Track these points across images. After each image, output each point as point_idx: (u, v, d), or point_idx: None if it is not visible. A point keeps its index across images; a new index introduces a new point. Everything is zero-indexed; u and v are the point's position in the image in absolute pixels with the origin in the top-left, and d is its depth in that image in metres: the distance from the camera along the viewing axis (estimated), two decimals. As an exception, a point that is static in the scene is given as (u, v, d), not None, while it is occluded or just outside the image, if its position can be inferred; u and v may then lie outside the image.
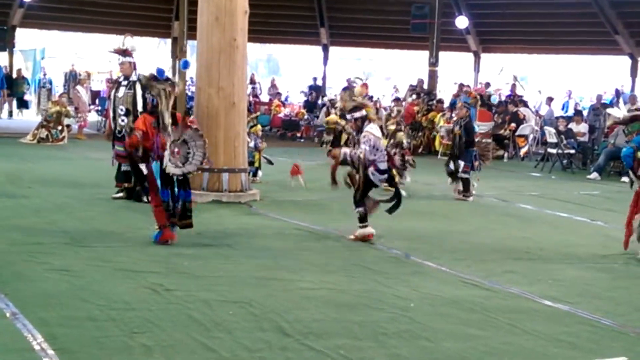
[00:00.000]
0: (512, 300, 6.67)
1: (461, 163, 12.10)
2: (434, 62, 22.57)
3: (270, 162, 13.60)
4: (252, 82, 26.10)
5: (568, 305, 6.51)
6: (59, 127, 18.99)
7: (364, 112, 8.77)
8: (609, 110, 9.72)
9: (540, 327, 5.85)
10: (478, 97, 14.73)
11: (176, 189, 8.14)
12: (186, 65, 10.53)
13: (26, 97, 26.62)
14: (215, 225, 9.40)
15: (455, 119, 13.15)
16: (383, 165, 8.74)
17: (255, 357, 5.00)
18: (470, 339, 5.54)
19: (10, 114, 26.22)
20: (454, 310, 6.24)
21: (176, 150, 8.00)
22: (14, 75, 25.85)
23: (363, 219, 8.79)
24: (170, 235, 8.16)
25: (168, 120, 7.99)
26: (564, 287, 7.18)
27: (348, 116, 8.97)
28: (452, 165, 12.26)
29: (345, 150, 8.89)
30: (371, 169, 8.68)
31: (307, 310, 6.06)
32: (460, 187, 12.27)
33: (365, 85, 9.04)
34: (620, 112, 9.25)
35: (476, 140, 12.61)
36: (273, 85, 28.30)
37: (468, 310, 6.24)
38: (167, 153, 7.95)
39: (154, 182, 8.11)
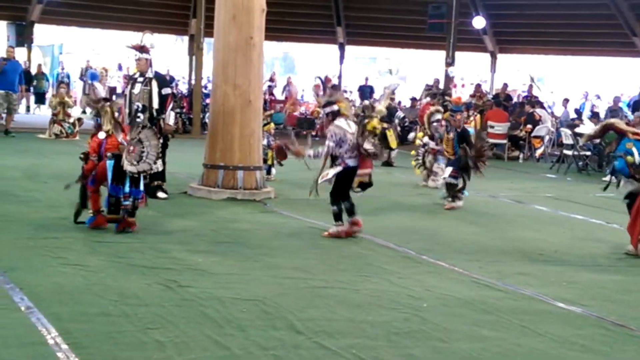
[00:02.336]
0: (526, 301, 6.65)
1: (448, 168, 11.41)
2: (450, 62, 22.52)
3: (280, 164, 13.62)
4: (272, 80, 26.11)
5: (582, 308, 6.49)
6: (70, 120, 19.16)
7: (335, 107, 8.85)
8: (578, 130, 9.65)
9: (554, 329, 5.84)
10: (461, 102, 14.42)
11: (127, 187, 8.36)
12: (94, 77, 10.80)
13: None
14: (230, 223, 9.43)
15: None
16: (352, 162, 8.79)
17: (268, 355, 5.01)
18: (483, 340, 5.53)
19: (28, 109, 26.38)
20: (467, 310, 6.24)
21: (132, 148, 8.27)
22: (33, 71, 26.00)
23: (337, 217, 8.85)
24: (102, 221, 8.48)
25: (108, 127, 8.39)
26: (577, 289, 7.15)
27: (321, 111, 9.11)
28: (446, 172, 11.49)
29: (312, 150, 8.92)
30: (338, 169, 8.74)
31: (320, 309, 6.07)
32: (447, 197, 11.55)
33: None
34: (589, 127, 9.21)
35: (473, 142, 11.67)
36: (289, 84, 28.31)
37: (481, 311, 6.23)
38: (124, 149, 8.27)
39: (102, 175, 8.37)
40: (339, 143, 8.70)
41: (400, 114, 17.33)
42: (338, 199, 8.85)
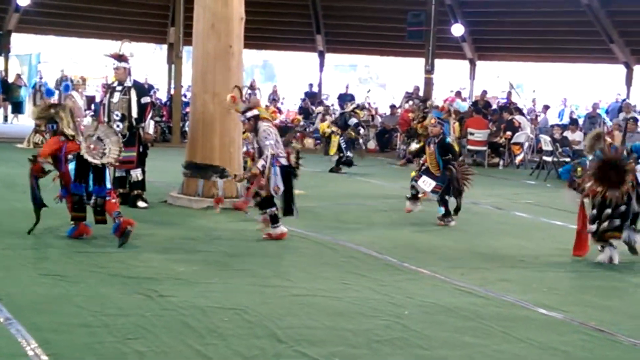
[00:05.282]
0: (507, 308, 6.67)
1: (431, 182, 10.68)
2: (429, 70, 22.59)
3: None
4: (252, 88, 26.05)
5: (562, 314, 6.52)
6: None
7: (255, 111, 9.14)
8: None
9: (535, 336, 5.85)
10: (451, 110, 14.13)
11: (91, 185, 8.38)
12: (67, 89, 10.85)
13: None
14: (211, 232, 9.40)
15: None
16: (284, 160, 9.06)
17: (249, 364, 5.00)
18: (465, 347, 5.54)
19: (6, 118, 26.19)
20: (448, 318, 6.24)
21: (92, 147, 8.28)
22: (10, 80, 25.81)
23: (274, 219, 9.06)
24: (85, 229, 8.46)
25: (72, 132, 8.44)
26: (558, 295, 7.18)
27: (242, 118, 9.30)
28: (420, 183, 10.82)
29: (260, 162, 8.95)
30: (274, 169, 8.90)
31: (301, 317, 6.05)
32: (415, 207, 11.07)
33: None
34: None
35: (458, 160, 11.22)
36: (274, 92, 28.20)
37: (462, 318, 6.23)
38: (83, 145, 8.27)
39: (70, 183, 8.37)
40: (276, 144, 9.00)
41: (354, 120, 17.29)
42: (273, 201, 9.08)
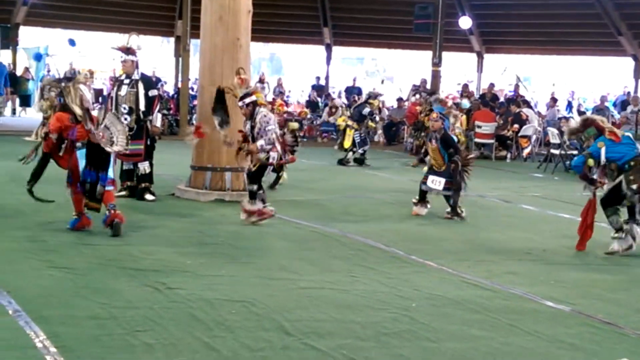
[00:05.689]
0: (514, 301, 6.67)
1: (440, 180, 10.53)
2: (437, 62, 22.53)
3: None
4: (261, 81, 26.05)
5: (570, 307, 6.51)
6: None
7: (254, 97, 9.26)
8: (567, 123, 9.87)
9: (542, 328, 5.85)
10: (453, 105, 14.00)
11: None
12: (73, 43, 10.75)
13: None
14: (218, 224, 9.41)
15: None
16: (279, 147, 9.36)
17: (257, 357, 5.01)
18: (472, 340, 5.54)
19: (14, 111, 26.23)
20: (455, 310, 6.25)
21: (101, 134, 8.28)
22: (18, 73, 25.84)
23: (253, 195, 9.37)
24: (87, 222, 8.49)
25: (79, 111, 8.36)
26: (566, 288, 7.17)
27: (239, 103, 9.34)
28: (430, 184, 10.62)
29: (261, 141, 9.15)
30: (272, 154, 9.23)
31: (309, 310, 6.06)
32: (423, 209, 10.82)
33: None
34: (574, 122, 9.41)
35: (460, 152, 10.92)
36: (279, 85, 28.23)
37: (470, 311, 6.24)
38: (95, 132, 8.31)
39: (77, 170, 8.35)
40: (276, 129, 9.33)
41: (367, 109, 17.23)
42: (259, 179, 9.49)
